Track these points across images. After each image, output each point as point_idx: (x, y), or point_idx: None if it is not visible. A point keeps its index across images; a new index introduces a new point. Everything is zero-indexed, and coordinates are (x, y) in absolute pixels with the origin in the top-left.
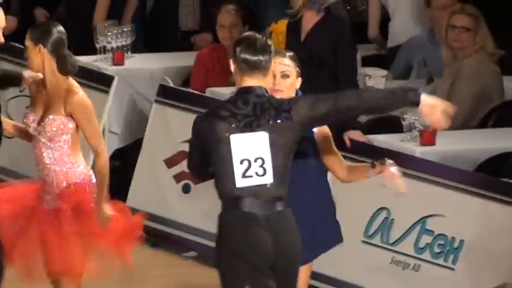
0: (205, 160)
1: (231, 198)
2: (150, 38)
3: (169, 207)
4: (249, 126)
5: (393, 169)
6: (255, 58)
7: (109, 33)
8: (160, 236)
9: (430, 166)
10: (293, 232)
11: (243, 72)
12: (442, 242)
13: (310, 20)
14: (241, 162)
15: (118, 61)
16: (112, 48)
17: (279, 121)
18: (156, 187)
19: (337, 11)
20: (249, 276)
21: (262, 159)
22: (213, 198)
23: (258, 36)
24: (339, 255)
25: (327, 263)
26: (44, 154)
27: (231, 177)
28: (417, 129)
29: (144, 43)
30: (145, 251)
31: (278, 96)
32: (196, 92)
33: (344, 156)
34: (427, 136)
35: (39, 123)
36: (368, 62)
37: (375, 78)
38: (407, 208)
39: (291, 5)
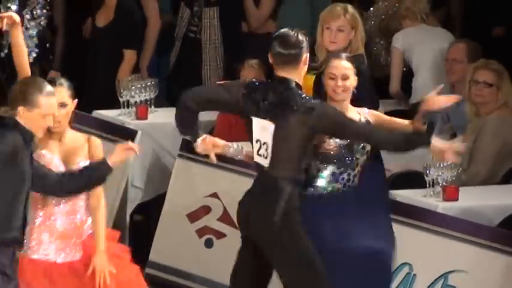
0: (214, 103)
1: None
2: (174, 92)
3: (192, 261)
4: (269, 114)
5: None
6: (286, 52)
7: (133, 88)
8: None
9: (452, 222)
10: (270, 203)
11: (277, 65)
12: None
13: None
14: (257, 141)
15: (141, 115)
16: (135, 102)
17: (297, 114)
18: (178, 241)
19: (358, 64)
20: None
21: (267, 145)
22: (235, 253)
23: (292, 32)
24: None
25: None
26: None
27: (253, 150)
28: (440, 184)
29: (167, 97)
30: None
31: (340, 97)
32: None
33: None
34: (450, 192)
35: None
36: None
37: None
38: (429, 263)
39: (315, 59)
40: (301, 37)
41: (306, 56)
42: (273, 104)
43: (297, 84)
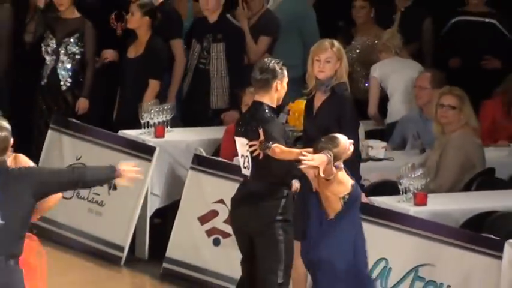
0: None
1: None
2: (186, 115)
3: (202, 257)
4: (245, 132)
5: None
6: (258, 77)
7: (152, 111)
8: (194, 282)
9: (422, 223)
10: (247, 204)
11: (255, 90)
12: None
13: (319, 98)
14: (241, 156)
15: (159, 134)
16: (154, 123)
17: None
18: (191, 240)
19: (341, 90)
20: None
21: (247, 157)
22: (238, 250)
23: (269, 60)
24: None
25: None
26: None
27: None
28: (411, 192)
29: (181, 119)
30: None
31: None
32: (225, 160)
33: None
34: (420, 198)
35: None
36: (370, 135)
37: (376, 149)
38: (402, 258)
39: (305, 86)
40: (273, 65)
41: (277, 83)
42: (246, 123)
43: (270, 107)
